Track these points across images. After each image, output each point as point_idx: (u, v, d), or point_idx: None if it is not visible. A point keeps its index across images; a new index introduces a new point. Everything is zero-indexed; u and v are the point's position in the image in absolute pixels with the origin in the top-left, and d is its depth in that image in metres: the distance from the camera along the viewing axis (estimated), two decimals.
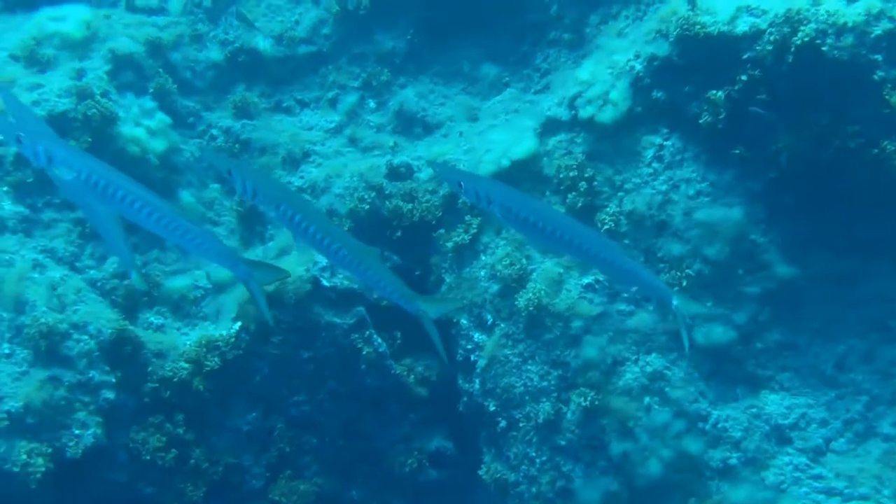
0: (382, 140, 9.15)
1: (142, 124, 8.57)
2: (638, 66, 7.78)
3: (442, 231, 8.32)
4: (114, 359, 7.45)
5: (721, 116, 7.44)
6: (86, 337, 7.37)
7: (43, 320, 7.23)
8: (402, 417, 8.35)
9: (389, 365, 8.14)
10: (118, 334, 7.46)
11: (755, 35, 7.26)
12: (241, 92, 9.42)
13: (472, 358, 8.09)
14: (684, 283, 7.56)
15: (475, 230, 8.17)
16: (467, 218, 8.22)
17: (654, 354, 7.66)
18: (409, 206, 8.39)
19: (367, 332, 8.02)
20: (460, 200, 8.26)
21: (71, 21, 8.86)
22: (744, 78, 7.33)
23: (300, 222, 6.03)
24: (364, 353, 8.00)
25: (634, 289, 7.67)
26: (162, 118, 8.75)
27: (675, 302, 6.42)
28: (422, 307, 6.25)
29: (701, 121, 7.54)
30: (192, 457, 7.69)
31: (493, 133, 8.54)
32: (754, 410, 7.62)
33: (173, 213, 6.01)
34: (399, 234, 8.39)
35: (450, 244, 8.24)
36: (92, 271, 7.94)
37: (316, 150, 9.09)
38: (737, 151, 7.54)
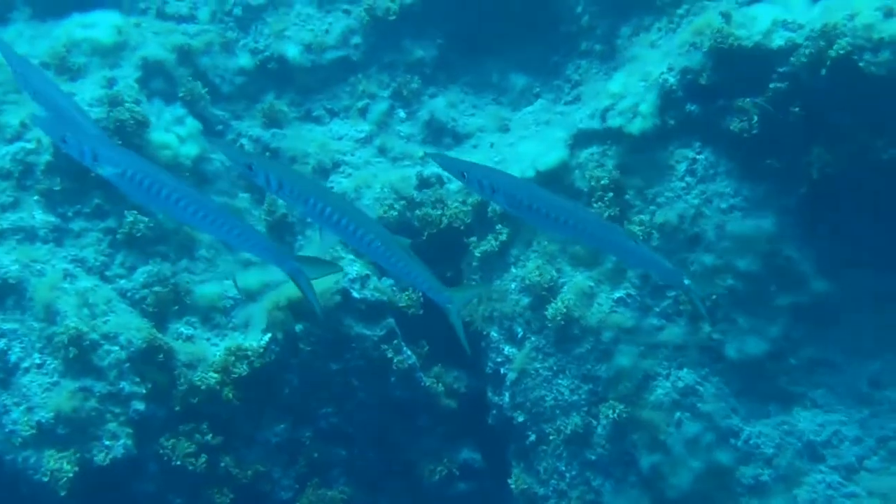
0: (412, 150, 9.10)
1: (172, 131, 8.55)
2: (671, 79, 7.69)
3: (473, 239, 8.29)
4: (144, 369, 7.44)
5: (754, 121, 7.37)
6: (116, 347, 7.36)
7: (73, 327, 7.24)
8: (431, 429, 8.33)
9: (419, 377, 8.12)
10: (148, 345, 7.43)
11: (790, 49, 7.20)
12: (269, 100, 9.37)
13: (502, 371, 8.06)
14: (714, 297, 7.51)
15: (504, 238, 8.13)
16: (498, 227, 8.18)
17: (685, 370, 7.61)
18: (438, 212, 8.39)
19: (397, 344, 8.00)
20: (490, 208, 8.22)
21: (101, 27, 8.82)
22: (772, 87, 7.28)
23: (331, 214, 5.95)
24: (393, 365, 7.98)
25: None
26: (193, 124, 8.70)
27: (686, 282, 6.36)
28: (449, 297, 6.25)
29: (733, 126, 7.47)
30: (222, 462, 7.67)
31: (523, 144, 8.50)
32: (786, 427, 7.56)
33: (219, 210, 6.02)
34: (424, 237, 8.36)
35: (478, 252, 8.22)
36: (122, 281, 7.91)
37: (346, 160, 9.03)
38: (769, 162, 7.49)
